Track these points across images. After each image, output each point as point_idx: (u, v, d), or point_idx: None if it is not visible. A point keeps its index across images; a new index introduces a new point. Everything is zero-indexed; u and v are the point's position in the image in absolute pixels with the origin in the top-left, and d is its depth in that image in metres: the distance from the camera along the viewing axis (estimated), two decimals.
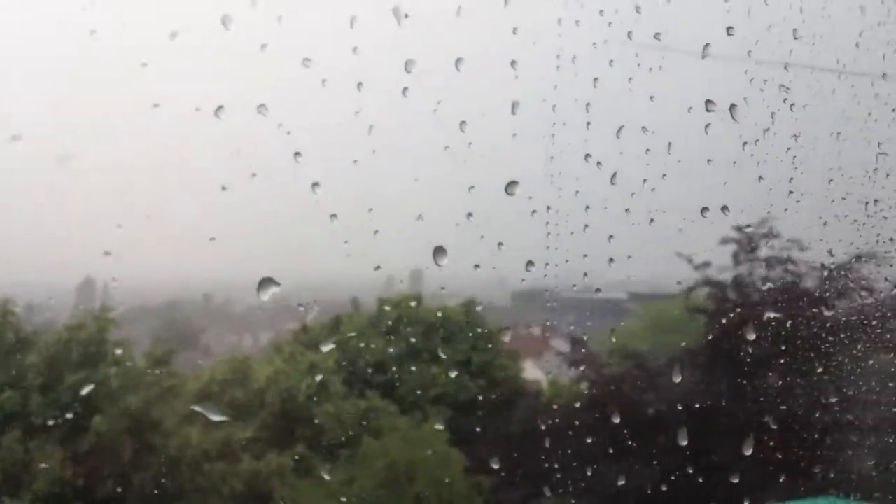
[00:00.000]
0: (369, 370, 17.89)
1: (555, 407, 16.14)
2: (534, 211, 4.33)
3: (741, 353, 12.73)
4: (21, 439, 14.44)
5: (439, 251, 3.65)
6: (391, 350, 18.18)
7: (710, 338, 13.93)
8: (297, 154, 4.13)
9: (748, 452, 6.75)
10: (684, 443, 12.48)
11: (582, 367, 16.29)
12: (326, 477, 14.56)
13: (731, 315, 13.75)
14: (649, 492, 11.83)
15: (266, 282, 3.13)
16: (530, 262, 4.24)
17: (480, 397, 17.64)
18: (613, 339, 16.49)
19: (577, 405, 15.59)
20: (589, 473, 13.99)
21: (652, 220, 4.73)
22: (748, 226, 12.79)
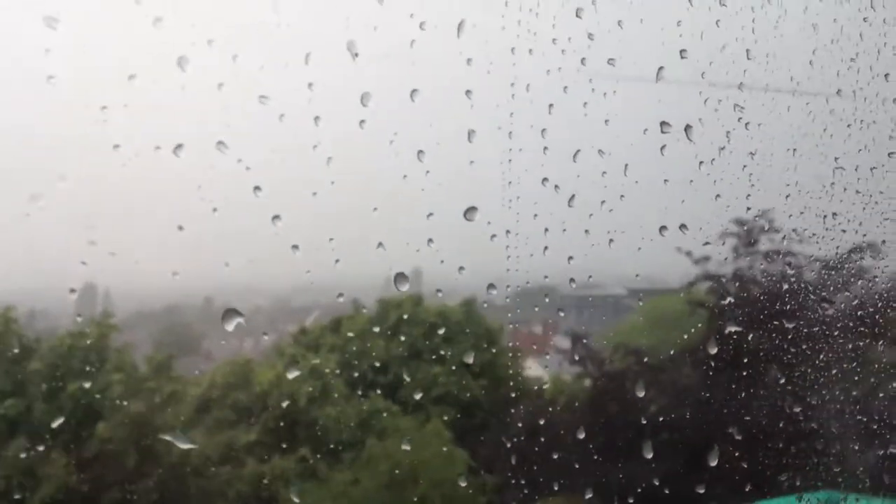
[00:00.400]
0: (371, 371, 17.91)
1: (557, 405, 16.19)
2: (493, 235, 4.39)
3: (743, 348, 12.77)
4: (25, 446, 14.47)
5: (400, 277, 3.70)
6: (393, 351, 18.20)
7: (711, 332, 13.96)
8: (256, 188, 4.17)
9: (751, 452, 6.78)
10: (687, 438, 12.58)
11: (583, 365, 16.34)
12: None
13: (732, 309, 13.79)
14: (653, 488, 11.86)
15: (230, 312, 3.17)
16: (491, 285, 4.31)
17: (482, 397, 17.69)
18: (607, 337, 16.62)
19: (579, 403, 15.66)
20: (592, 471, 14.07)
21: (611, 240, 4.79)
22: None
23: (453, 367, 17.71)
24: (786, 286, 13.11)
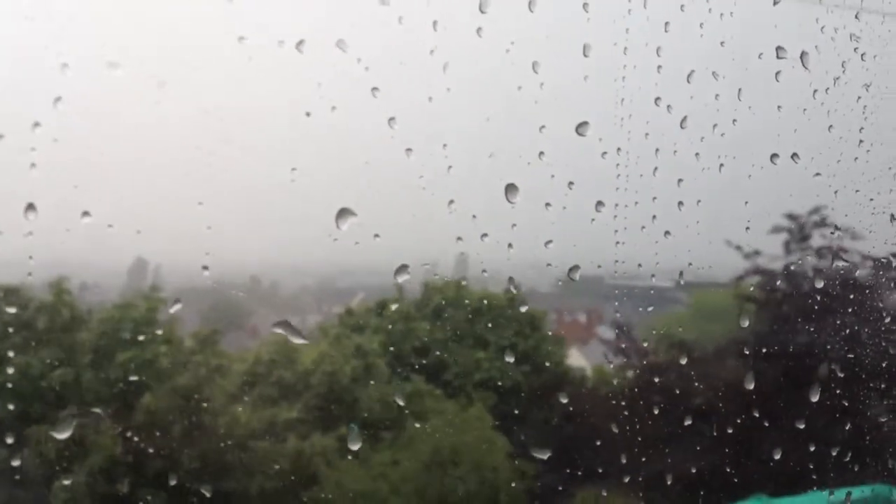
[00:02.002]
0: (414, 354, 17.98)
1: (599, 394, 16.12)
2: (604, 153, 4.33)
3: (790, 344, 12.59)
4: (74, 416, 14.75)
5: (511, 188, 3.64)
6: (436, 334, 18.25)
7: (759, 327, 13.78)
8: (374, 89, 4.15)
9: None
10: (730, 432, 12.43)
11: (627, 356, 16.23)
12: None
13: (782, 304, 13.61)
14: (694, 481, 11.75)
15: (344, 212, 3.13)
16: (600, 203, 4.23)
17: (524, 383, 17.66)
18: (655, 329, 16.44)
19: (622, 393, 15.55)
20: (633, 462, 13.96)
21: (721, 165, 4.70)
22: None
23: (498, 353, 17.72)
24: (837, 282, 12.91)
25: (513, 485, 14.71)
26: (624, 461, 13.38)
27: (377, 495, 14.19)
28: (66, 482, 14.02)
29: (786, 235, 13.42)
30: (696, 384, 14.52)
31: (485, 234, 4.12)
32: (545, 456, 14.46)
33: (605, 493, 13.71)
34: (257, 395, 16.15)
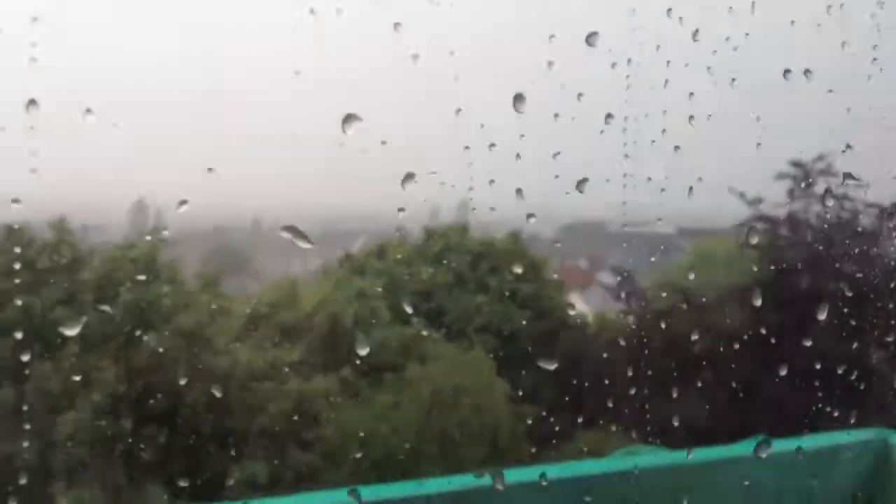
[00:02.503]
0: (415, 298, 18.01)
1: (599, 339, 16.19)
2: (614, 63, 4.24)
3: (793, 291, 12.62)
4: (77, 354, 14.81)
5: (519, 98, 3.55)
6: (437, 278, 18.26)
7: (761, 274, 13.80)
8: None
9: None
10: (730, 376, 12.53)
11: (627, 301, 16.29)
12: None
13: (784, 251, 13.62)
14: (694, 424, 11.87)
15: (350, 117, 3.05)
16: (609, 115, 4.15)
17: (524, 328, 17.71)
18: (653, 275, 16.46)
19: (623, 338, 15.61)
20: (633, 405, 14.05)
21: (734, 79, 4.62)
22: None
23: (499, 298, 17.75)
24: (840, 230, 12.90)
25: (515, 427, 14.83)
26: (624, 404, 13.52)
27: (378, 436, 14.30)
28: (70, 417, 14.15)
29: (790, 182, 13.41)
30: (697, 329, 14.61)
31: (493, 144, 4.04)
32: (545, 400, 14.63)
33: (604, 436, 13.86)
34: (259, 336, 16.20)
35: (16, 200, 3.64)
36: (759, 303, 13.88)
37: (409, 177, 3.15)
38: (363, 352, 15.28)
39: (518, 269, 18.49)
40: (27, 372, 14.82)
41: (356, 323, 16.37)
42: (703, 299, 15.25)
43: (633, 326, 15.95)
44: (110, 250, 16.49)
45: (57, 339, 15.16)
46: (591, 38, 3.81)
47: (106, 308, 15.30)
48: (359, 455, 14.32)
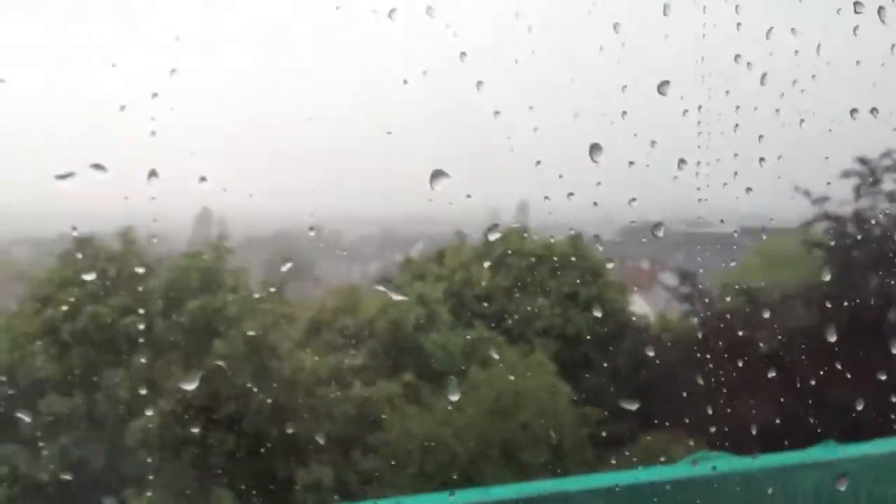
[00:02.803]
0: (475, 302, 18.02)
1: (662, 341, 16.03)
2: (685, 111, 4.27)
3: (860, 290, 12.35)
4: (146, 361, 15.12)
5: (595, 148, 3.61)
6: (497, 282, 18.24)
7: (827, 274, 13.51)
8: (462, 54, 4.15)
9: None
10: (798, 379, 12.26)
11: (691, 303, 16.08)
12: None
13: (851, 250, 13.33)
14: (759, 427, 11.65)
15: (437, 173, 3.13)
16: (682, 161, 4.18)
17: (586, 331, 17.61)
18: (717, 276, 16.20)
19: (687, 340, 15.42)
20: (696, 408, 13.86)
21: (802, 120, 4.61)
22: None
23: (561, 301, 17.66)
24: None
25: (577, 430, 14.75)
26: (688, 407, 13.35)
27: (441, 440, 14.34)
28: (139, 424, 14.45)
29: (856, 180, 13.12)
30: (763, 331, 14.35)
31: (571, 194, 4.11)
32: (608, 403, 14.52)
33: (668, 439, 13.70)
34: (323, 342, 16.39)
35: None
36: (825, 303, 13.64)
37: (493, 227, 3.22)
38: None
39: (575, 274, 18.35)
40: (97, 380, 15.21)
41: (417, 328, 16.46)
42: (768, 300, 14.98)
43: (697, 328, 15.74)
44: (176, 259, 16.82)
45: (126, 348, 15.53)
46: (662, 87, 3.86)
47: (173, 316, 15.64)
48: (422, 459, 14.37)
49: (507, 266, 18.40)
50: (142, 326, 15.56)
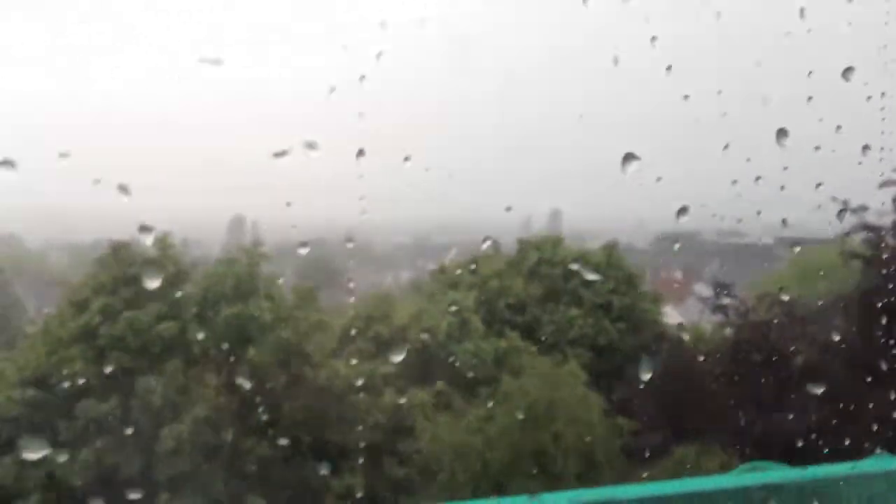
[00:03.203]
0: (508, 311, 17.99)
1: (696, 352, 15.87)
2: (869, 97, 4.25)
3: None
4: (181, 367, 15.23)
5: (781, 132, 3.59)
6: (530, 291, 18.20)
7: (865, 285, 13.33)
8: (653, 38, 4.21)
9: None
10: (834, 392, 12.11)
11: (724, 314, 15.89)
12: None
13: (890, 261, 13.11)
14: (795, 440, 11.50)
15: (629, 156, 3.11)
16: (867, 146, 4.15)
17: (619, 341, 17.53)
18: (752, 287, 16.05)
19: (720, 351, 15.27)
20: (731, 421, 13.78)
21: None
22: None
23: (594, 311, 17.57)
24: None
25: (610, 441, 14.63)
26: (722, 419, 13.23)
27: (473, 449, 14.28)
28: (173, 430, 14.53)
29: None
30: (799, 343, 14.18)
31: (758, 177, 4.10)
32: (642, 414, 14.41)
33: (701, 450, 13.57)
34: (356, 349, 16.44)
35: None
36: (863, 315, 13.43)
37: (682, 210, 3.22)
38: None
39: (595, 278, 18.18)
40: (133, 385, 15.32)
41: (450, 336, 16.46)
42: (804, 311, 14.80)
43: (732, 339, 15.56)
44: (212, 266, 16.94)
45: (162, 353, 15.64)
46: (846, 73, 3.86)
47: (208, 323, 15.75)
48: (452, 467, 14.33)
49: (540, 275, 18.36)
50: (177, 332, 15.68)
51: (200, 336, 15.22)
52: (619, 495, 2.42)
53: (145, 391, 15.13)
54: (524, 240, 18.86)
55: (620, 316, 18.08)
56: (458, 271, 18.63)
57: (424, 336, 16.24)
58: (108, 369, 15.28)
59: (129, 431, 14.56)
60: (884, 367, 11.30)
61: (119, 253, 16.29)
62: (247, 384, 14.71)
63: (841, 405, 11.34)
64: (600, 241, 18.63)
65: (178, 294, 16.08)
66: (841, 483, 2.69)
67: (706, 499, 2.46)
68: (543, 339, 17.34)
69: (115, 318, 15.85)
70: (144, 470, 14.60)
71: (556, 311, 17.91)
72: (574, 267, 18.08)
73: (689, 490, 2.50)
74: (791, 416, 12.70)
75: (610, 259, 18.48)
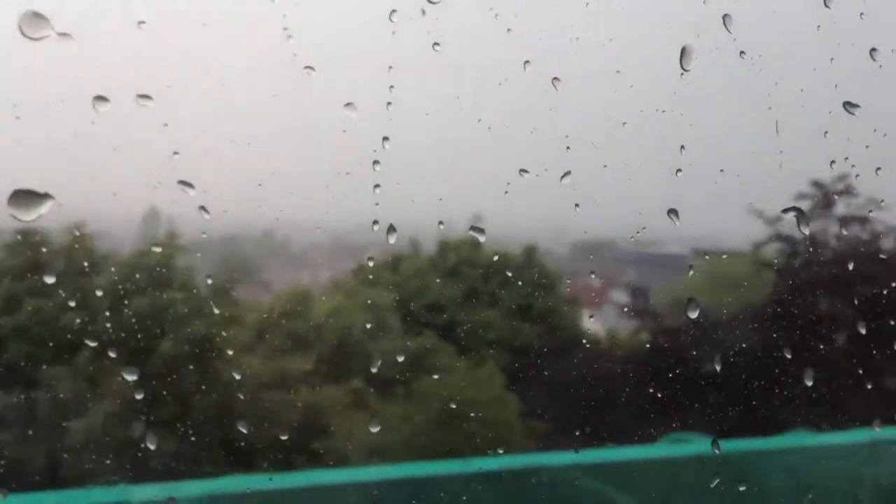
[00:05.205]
0: (427, 311, 17.99)
1: (611, 357, 16.16)
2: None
3: (809, 312, 12.57)
4: (89, 360, 14.80)
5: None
6: (449, 292, 18.25)
7: (776, 294, 13.77)
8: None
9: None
10: (742, 395, 12.46)
11: (640, 319, 16.26)
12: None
13: (801, 272, 13.58)
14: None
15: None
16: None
17: (537, 344, 17.68)
18: (665, 294, 16.43)
19: (634, 356, 15.60)
20: (644, 423, 14.03)
21: None
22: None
23: (511, 313, 17.71)
24: (861, 252, 12.86)
25: (524, 442, 14.78)
26: (636, 422, 13.45)
27: (388, 448, 14.26)
28: (81, 424, 14.11)
29: (809, 202, 13.34)
30: (709, 348, 14.54)
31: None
32: (557, 417, 14.61)
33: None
34: (270, 345, 16.21)
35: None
36: (771, 323, 13.90)
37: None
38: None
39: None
40: (38, 377, 14.83)
41: (366, 334, 16.37)
42: (713, 317, 15.19)
43: (645, 344, 15.92)
44: (125, 257, 16.52)
45: (70, 345, 15.16)
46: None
47: (118, 314, 15.32)
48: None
49: (459, 276, 18.42)
50: (86, 323, 15.24)
51: (110, 327, 14.79)
52: (552, 461, 2.42)
53: (51, 383, 14.67)
54: (444, 241, 18.90)
55: (538, 318, 18.26)
56: (372, 267, 18.61)
57: (341, 333, 16.14)
58: (11, 360, 14.80)
59: (35, 425, 14.11)
60: (787, 373, 11.65)
61: (27, 239, 15.75)
62: (158, 377, 14.38)
63: (748, 410, 11.67)
64: (519, 245, 18.78)
65: (89, 283, 15.63)
66: (761, 455, 2.75)
67: (632, 467, 2.47)
68: (461, 339, 17.40)
69: (19, 306, 15.33)
70: (50, 465, 14.14)
71: (475, 312, 17.99)
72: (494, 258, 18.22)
73: (614, 459, 2.52)
74: (701, 419, 13.00)
75: (529, 261, 18.66)
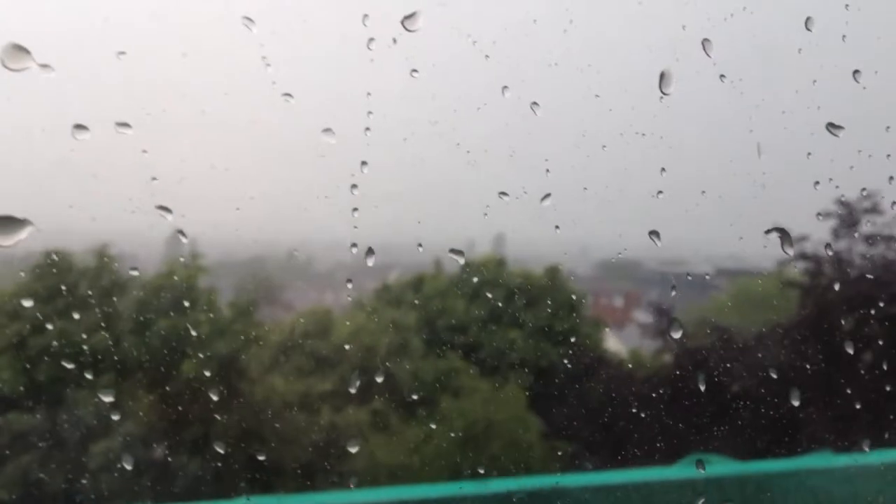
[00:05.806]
0: (450, 331, 17.95)
1: (635, 377, 16.04)
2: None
3: (836, 331, 12.44)
4: (114, 381, 14.86)
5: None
6: (472, 312, 18.19)
7: (802, 314, 13.64)
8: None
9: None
10: (768, 417, 12.33)
11: (664, 339, 16.12)
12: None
13: (827, 291, 13.45)
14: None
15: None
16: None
17: (561, 365, 17.59)
18: (690, 314, 16.31)
19: (658, 376, 15.47)
20: (669, 444, 13.90)
21: None
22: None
23: (534, 334, 17.63)
24: (885, 270, 12.72)
25: (547, 464, 14.67)
26: (660, 443, 13.32)
27: (410, 469, 14.19)
28: (103, 446, 14.15)
29: (834, 221, 13.21)
30: (735, 369, 14.40)
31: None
32: (580, 438, 14.49)
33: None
34: (293, 366, 16.21)
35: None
36: (798, 343, 13.74)
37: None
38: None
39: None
40: (62, 398, 14.91)
41: (389, 354, 16.34)
42: (741, 339, 15.07)
43: (669, 364, 15.79)
44: (150, 278, 16.62)
45: (94, 366, 15.25)
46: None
47: (142, 335, 15.41)
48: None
49: (482, 296, 18.38)
50: (110, 344, 15.34)
51: (135, 349, 14.89)
52: (569, 483, 2.38)
53: (75, 405, 14.74)
54: (467, 261, 18.87)
55: (562, 339, 18.16)
56: (394, 287, 18.62)
57: (363, 354, 16.12)
58: (38, 381, 14.88)
59: (58, 446, 14.16)
60: (816, 392, 11.52)
61: (53, 262, 15.88)
62: (181, 399, 14.40)
63: (776, 431, 11.56)
64: (543, 265, 18.72)
65: (114, 305, 15.76)
66: (782, 477, 2.69)
67: (651, 489, 2.43)
68: (484, 360, 17.33)
69: (47, 328, 15.44)
70: (72, 487, 14.19)
71: (498, 332, 17.92)
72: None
73: (634, 480, 2.47)
74: (728, 441, 12.86)
75: (552, 282, 18.59)
